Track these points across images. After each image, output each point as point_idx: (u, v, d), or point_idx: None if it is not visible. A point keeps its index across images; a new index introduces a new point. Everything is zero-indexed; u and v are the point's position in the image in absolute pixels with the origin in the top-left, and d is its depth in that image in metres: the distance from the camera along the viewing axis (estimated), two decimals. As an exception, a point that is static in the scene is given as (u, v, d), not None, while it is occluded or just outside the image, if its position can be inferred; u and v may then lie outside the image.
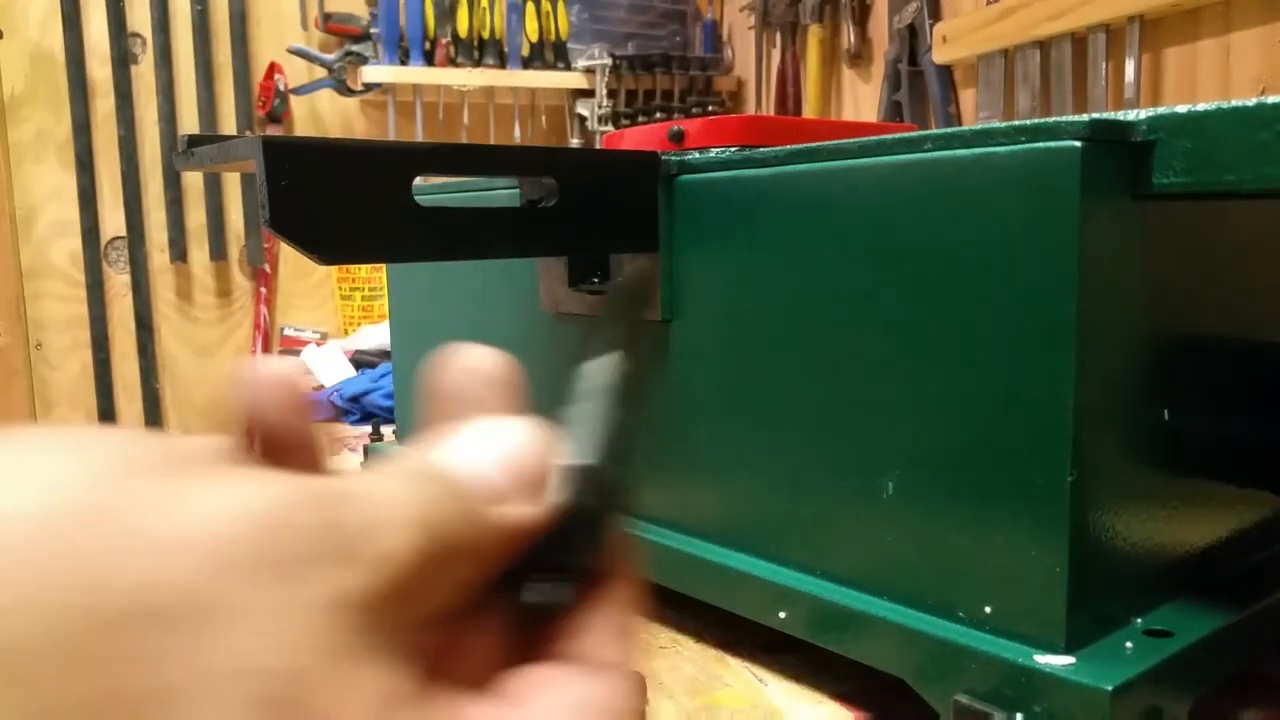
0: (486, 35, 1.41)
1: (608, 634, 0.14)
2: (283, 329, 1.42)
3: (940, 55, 1.00)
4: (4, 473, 0.10)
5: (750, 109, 1.46)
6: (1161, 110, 0.24)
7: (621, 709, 0.13)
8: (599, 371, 0.16)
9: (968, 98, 1.01)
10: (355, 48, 1.38)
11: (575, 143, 1.46)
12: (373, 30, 1.38)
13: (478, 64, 1.40)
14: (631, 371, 0.16)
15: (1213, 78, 0.74)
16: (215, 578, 0.10)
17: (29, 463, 0.10)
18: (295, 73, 1.39)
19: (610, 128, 1.42)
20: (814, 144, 0.30)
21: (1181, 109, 0.24)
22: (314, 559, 0.11)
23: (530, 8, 1.42)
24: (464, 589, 0.13)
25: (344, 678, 0.10)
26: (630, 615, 0.14)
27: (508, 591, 0.14)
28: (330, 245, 0.27)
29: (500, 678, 0.13)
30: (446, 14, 1.38)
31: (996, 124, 0.26)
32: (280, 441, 0.14)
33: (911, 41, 1.06)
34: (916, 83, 1.05)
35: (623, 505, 0.15)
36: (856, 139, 0.29)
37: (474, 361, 0.15)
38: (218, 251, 1.40)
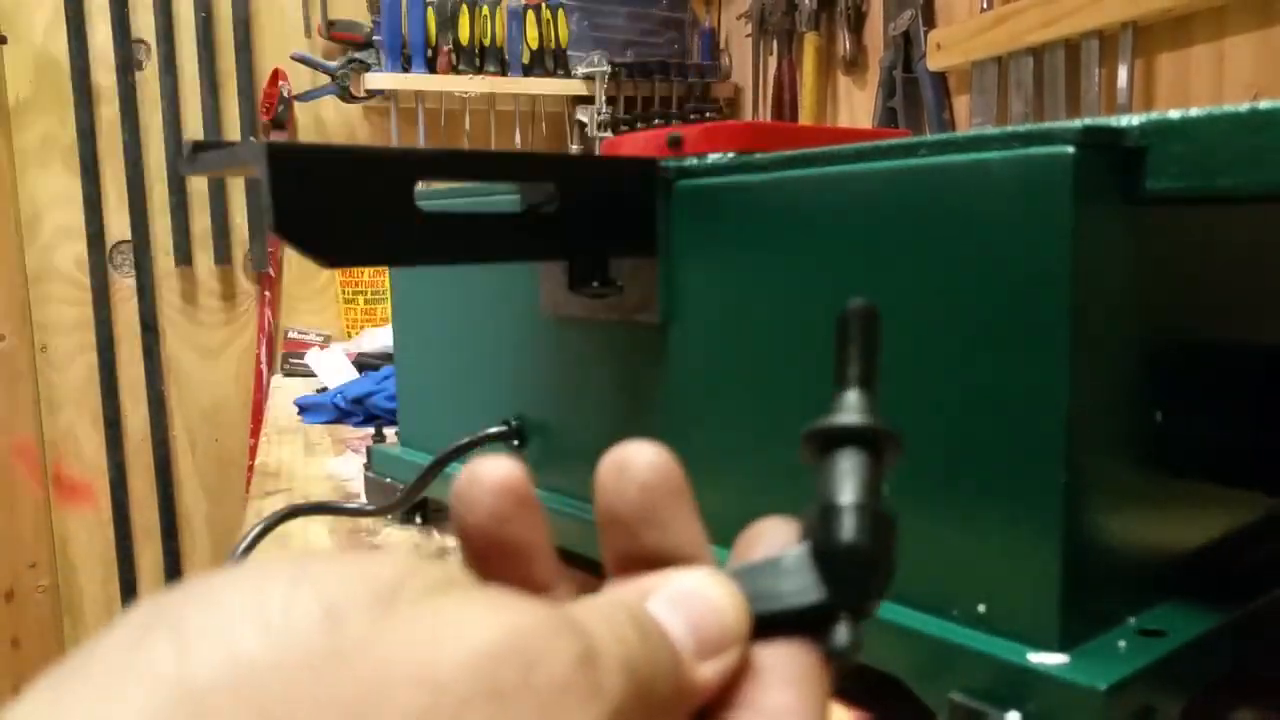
0: (488, 43, 1.42)
1: (780, 679, 0.13)
2: (287, 332, 1.43)
3: (934, 62, 1.00)
4: (222, 614, 0.10)
5: (747, 115, 1.47)
6: (1155, 115, 0.25)
7: None
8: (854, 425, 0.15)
9: (962, 104, 1.02)
10: (358, 55, 1.39)
11: (575, 149, 1.47)
12: (375, 38, 1.39)
13: (479, 71, 1.41)
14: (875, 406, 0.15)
15: (1206, 83, 0.74)
16: (466, 706, 0.10)
17: (243, 600, 0.10)
18: (299, 79, 1.40)
19: (609, 134, 1.42)
20: (810, 150, 0.31)
21: (1175, 114, 0.24)
22: (559, 689, 0.10)
23: (531, 16, 1.43)
24: None
25: None
26: (805, 657, 0.14)
27: None
28: (334, 249, 0.28)
29: None
30: (448, 22, 1.39)
31: (990, 130, 0.26)
32: (496, 548, 0.14)
33: (906, 49, 1.06)
34: (911, 89, 1.06)
35: (885, 581, 0.14)
36: (852, 145, 0.29)
37: (648, 476, 0.14)
38: (222, 255, 1.41)
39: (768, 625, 0.14)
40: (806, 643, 0.14)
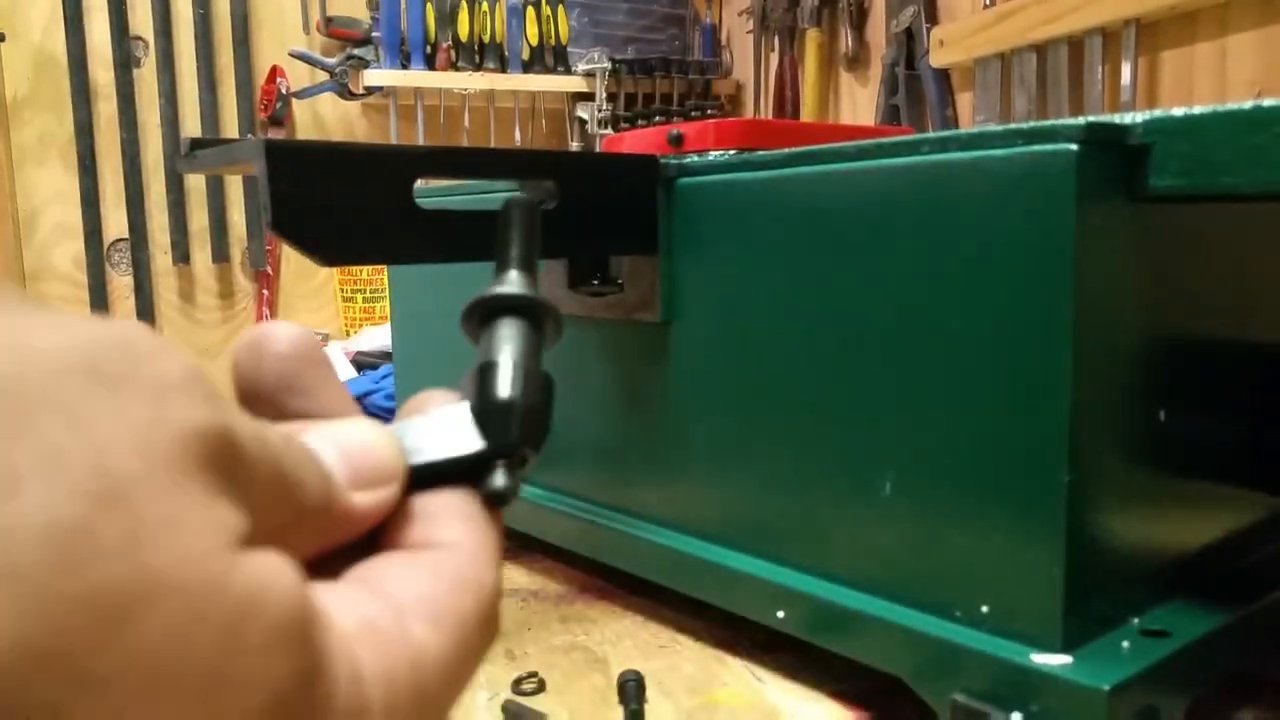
0: (487, 39, 1.41)
1: (449, 517, 0.14)
2: (284, 331, 1.42)
3: (937, 59, 1.00)
4: None
5: (748, 113, 1.46)
6: (1158, 113, 0.25)
7: (468, 578, 0.13)
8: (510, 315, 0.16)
9: (964, 101, 1.01)
10: (357, 51, 1.39)
11: (575, 146, 1.47)
12: (374, 34, 1.38)
13: (478, 68, 1.41)
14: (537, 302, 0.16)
15: (1209, 81, 0.74)
16: (61, 377, 0.09)
17: None
18: (297, 76, 1.40)
19: (610, 131, 1.42)
20: (812, 147, 0.31)
21: (1178, 112, 0.24)
22: (172, 386, 0.10)
23: (530, 12, 1.42)
24: (298, 553, 0.12)
25: (185, 500, 0.10)
26: (470, 499, 0.14)
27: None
28: (332, 247, 0.27)
29: (348, 568, 0.13)
30: (447, 18, 1.39)
31: (993, 127, 0.26)
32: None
33: (909, 45, 1.06)
34: (913, 86, 1.05)
35: (539, 437, 0.15)
36: (854, 142, 0.29)
37: (285, 347, 0.15)
38: (220, 253, 1.41)
39: (430, 476, 0.14)
40: (468, 488, 0.15)
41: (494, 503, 0.15)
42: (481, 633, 0.13)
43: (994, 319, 0.26)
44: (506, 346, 0.16)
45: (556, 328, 0.17)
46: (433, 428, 0.15)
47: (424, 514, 0.14)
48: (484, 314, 0.16)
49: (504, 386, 0.15)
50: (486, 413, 0.15)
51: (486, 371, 0.15)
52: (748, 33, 1.41)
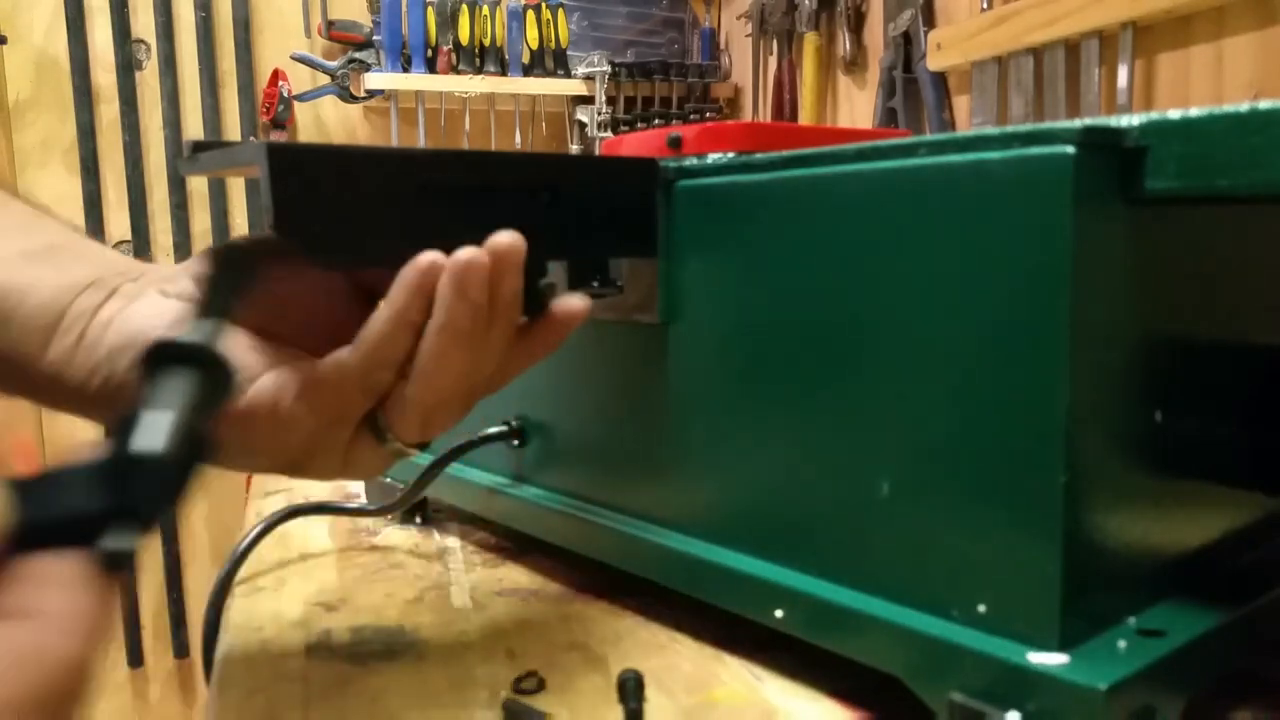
0: (488, 43, 1.42)
1: (46, 583, 0.13)
2: (284, 334, 1.43)
3: (934, 62, 1.00)
4: None
5: (747, 115, 1.47)
6: (1154, 115, 0.25)
7: (39, 653, 0.12)
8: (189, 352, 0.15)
9: (962, 104, 1.02)
10: (358, 55, 1.39)
11: (575, 149, 1.47)
12: (375, 38, 1.39)
13: (479, 71, 1.41)
14: (217, 358, 0.15)
15: (1206, 83, 0.74)
16: None
17: None
18: (299, 79, 1.40)
19: (609, 134, 1.42)
20: (810, 150, 0.31)
21: (1175, 114, 0.24)
22: None
23: (531, 16, 1.43)
24: None
25: None
26: (77, 563, 0.14)
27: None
28: (333, 249, 0.28)
29: None
30: (448, 22, 1.39)
31: (990, 130, 0.26)
32: None
33: (906, 49, 1.06)
34: (911, 89, 1.06)
35: (187, 481, 0.14)
36: (852, 145, 0.29)
37: None
38: (220, 257, 1.41)
39: (43, 533, 0.13)
40: (81, 549, 0.14)
41: (111, 566, 0.14)
42: (40, 711, 0.12)
43: (991, 320, 0.26)
44: (162, 397, 0.15)
45: (227, 383, 0.15)
46: (58, 482, 0.14)
47: (22, 578, 0.13)
48: (153, 359, 0.15)
49: (141, 440, 0.14)
50: (119, 467, 0.14)
51: (127, 423, 0.14)
52: (746, 36, 1.41)
